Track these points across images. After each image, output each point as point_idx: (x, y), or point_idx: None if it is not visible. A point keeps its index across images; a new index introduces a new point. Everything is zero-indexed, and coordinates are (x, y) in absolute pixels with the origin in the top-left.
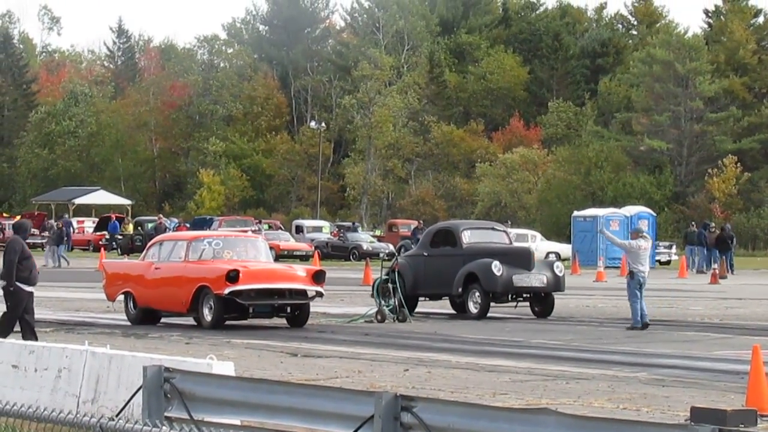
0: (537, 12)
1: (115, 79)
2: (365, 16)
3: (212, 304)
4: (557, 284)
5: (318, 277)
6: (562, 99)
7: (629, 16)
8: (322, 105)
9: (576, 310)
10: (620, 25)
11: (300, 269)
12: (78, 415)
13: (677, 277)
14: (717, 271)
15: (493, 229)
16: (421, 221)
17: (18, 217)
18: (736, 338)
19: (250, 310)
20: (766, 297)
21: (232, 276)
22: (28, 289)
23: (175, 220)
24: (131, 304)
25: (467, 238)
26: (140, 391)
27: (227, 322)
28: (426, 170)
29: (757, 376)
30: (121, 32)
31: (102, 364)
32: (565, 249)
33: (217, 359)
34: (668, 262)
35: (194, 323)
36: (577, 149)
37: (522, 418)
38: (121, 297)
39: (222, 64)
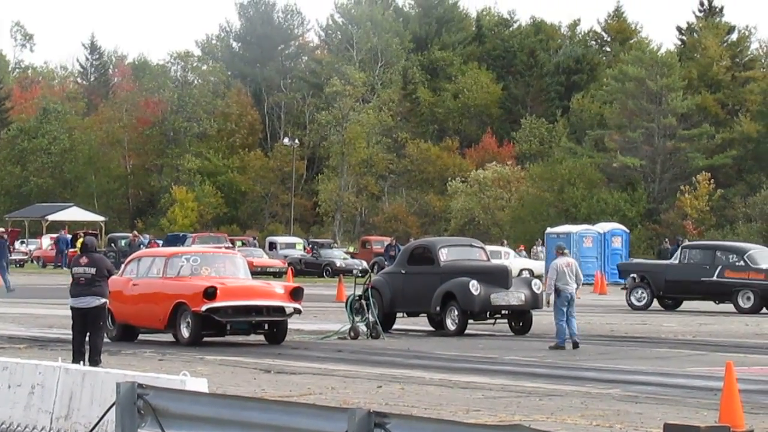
0: (511, 29)
1: (87, 96)
2: (339, 33)
3: (190, 320)
4: (535, 302)
5: (296, 294)
6: (536, 116)
7: (603, 33)
8: (296, 122)
9: (549, 327)
10: (594, 42)
11: (278, 286)
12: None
13: None
14: None
15: (470, 246)
16: (394, 238)
17: None
18: (709, 355)
19: (228, 327)
20: (738, 314)
21: (210, 293)
22: None
23: (148, 237)
24: (109, 321)
25: (444, 255)
26: (114, 408)
27: (205, 339)
28: (399, 187)
29: (730, 392)
30: (93, 48)
31: (75, 380)
32: (538, 266)
33: (190, 376)
34: None
35: (172, 339)
36: (550, 166)
37: None
38: None
39: (196, 81)
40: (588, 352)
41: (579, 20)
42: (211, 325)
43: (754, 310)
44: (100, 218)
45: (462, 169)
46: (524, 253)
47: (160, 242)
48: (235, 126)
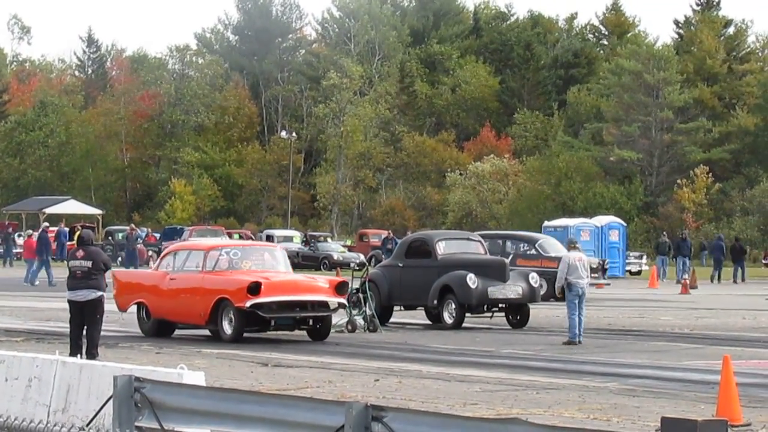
0: (508, 22)
1: (85, 89)
2: (336, 26)
3: (232, 316)
4: (532, 295)
5: (340, 289)
6: (533, 109)
7: (600, 26)
8: (293, 115)
9: (546, 321)
10: (591, 36)
11: (322, 280)
12: (49, 425)
13: (648, 287)
14: (687, 281)
15: (468, 239)
16: (391, 231)
17: None
18: (707, 348)
19: (272, 323)
20: (736, 307)
21: (254, 288)
22: None
23: (145, 230)
24: (144, 315)
25: (442, 249)
26: (111, 401)
27: (246, 335)
28: (397, 180)
29: (727, 386)
30: (91, 42)
31: (73, 373)
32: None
33: (187, 369)
34: (639, 272)
35: (207, 335)
36: (547, 159)
37: (492, 428)
38: (134, 308)
39: (193, 74)
40: (585, 346)
41: (576, 14)
42: (254, 321)
43: (546, 298)
44: (97, 211)
45: (459, 162)
46: None
47: (158, 235)
48: (232, 119)
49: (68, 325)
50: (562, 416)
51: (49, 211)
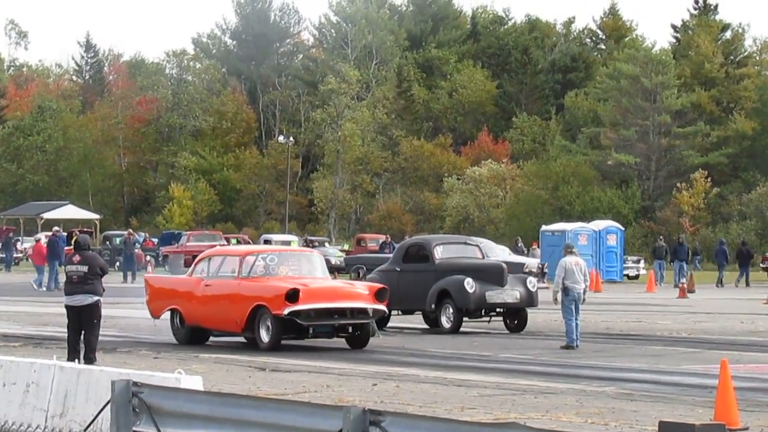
0: (506, 26)
1: (83, 94)
2: (333, 31)
3: (270, 324)
4: (530, 299)
5: (380, 295)
6: (530, 113)
7: (598, 31)
8: (291, 120)
9: (544, 325)
10: (589, 40)
11: (361, 286)
12: (46, 430)
13: (645, 292)
14: (685, 285)
15: (465, 243)
16: (389, 236)
17: None
18: (704, 353)
19: (310, 331)
20: (733, 311)
21: (292, 295)
22: None
23: (143, 234)
24: (178, 322)
25: (439, 253)
26: (108, 406)
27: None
28: (394, 184)
29: (725, 390)
30: (89, 47)
31: (70, 378)
32: (532, 263)
33: (185, 374)
34: (636, 277)
35: (241, 341)
36: (544, 164)
37: None
38: (167, 314)
39: (191, 79)
40: (583, 350)
41: (574, 18)
42: (292, 329)
43: None
44: (94, 216)
45: (457, 167)
46: (538, 250)
47: (156, 240)
48: (230, 124)
49: (66, 330)
50: (560, 420)
51: (46, 216)
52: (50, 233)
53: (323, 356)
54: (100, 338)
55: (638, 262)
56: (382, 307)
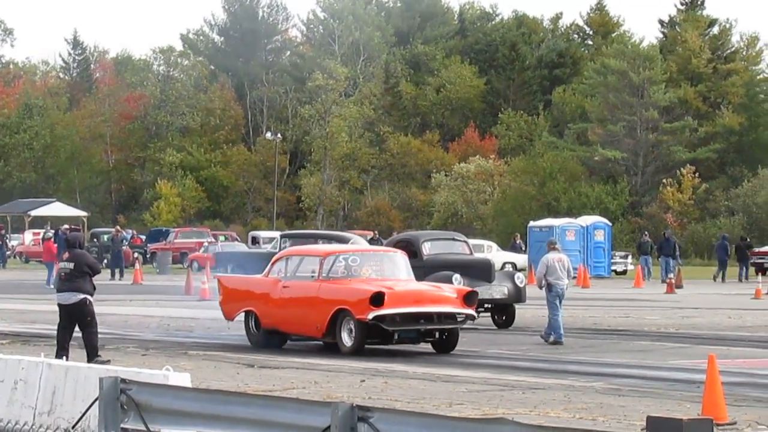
0: (493, 22)
1: (70, 91)
2: (321, 27)
3: (353, 328)
4: (518, 295)
5: (469, 299)
6: (518, 109)
7: (585, 26)
8: (278, 116)
9: (532, 321)
10: (576, 36)
11: (449, 290)
12: (34, 427)
13: (633, 287)
14: (673, 281)
15: (453, 240)
16: (377, 232)
17: None
18: (692, 348)
19: (395, 336)
20: (721, 306)
21: (377, 299)
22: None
23: (130, 232)
24: (253, 325)
25: (427, 249)
26: (96, 403)
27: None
28: (382, 181)
29: (712, 385)
30: (76, 44)
31: (58, 375)
32: (521, 259)
33: (173, 370)
34: (624, 272)
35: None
36: (531, 160)
37: (478, 428)
38: (241, 316)
39: (178, 75)
40: (571, 346)
41: (561, 14)
42: (376, 334)
43: None
44: (82, 213)
45: (444, 163)
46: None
47: (143, 237)
48: (218, 121)
49: (54, 327)
50: (548, 416)
51: (34, 213)
52: (65, 228)
53: (311, 353)
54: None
55: (626, 257)
56: (471, 311)
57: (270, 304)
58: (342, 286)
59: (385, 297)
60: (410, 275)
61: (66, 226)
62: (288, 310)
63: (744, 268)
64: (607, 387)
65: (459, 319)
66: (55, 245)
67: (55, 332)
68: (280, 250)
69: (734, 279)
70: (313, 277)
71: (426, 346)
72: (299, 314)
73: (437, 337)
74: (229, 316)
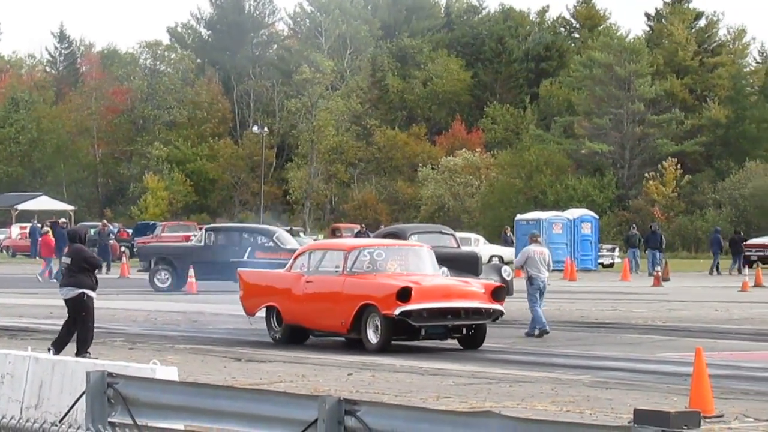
0: (479, 16)
1: (56, 85)
2: (307, 20)
3: (379, 324)
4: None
5: (497, 294)
6: (504, 103)
7: (571, 19)
8: (265, 110)
9: (519, 314)
10: (563, 29)
11: (477, 285)
12: (21, 421)
13: (620, 280)
14: (660, 274)
15: (440, 233)
16: (364, 225)
17: None
18: (679, 340)
19: (422, 333)
20: (708, 299)
21: (404, 294)
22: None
23: (117, 225)
24: (275, 321)
25: (415, 242)
26: (84, 397)
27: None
28: (369, 174)
29: (700, 378)
30: (62, 38)
31: (45, 369)
32: (508, 252)
33: (160, 364)
34: (611, 265)
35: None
36: (518, 153)
37: (465, 422)
38: (262, 311)
39: (165, 69)
40: (558, 339)
41: (548, 7)
42: (402, 330)
43: None
44: (69, 207)
45: (431, 156)
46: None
47: (130, 231)
48: (205, 114)
49: (46, 322)
50: (535, 409)
51: (21, 207)
52: (62, 222)
53: (298, 346)
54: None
55: (613, 250)
56: (500, 306)
57: (293, 299)
58: (367, 280)
59: (413, 292)
60: (436, 270)
61: (63, 220)
62: (311, 305)
63: (738, 260)
64: (594, 380)
65: (487, 315)
66: (53, 239)
67: (42, 326)
68: (205, 244)
69: (726, 272)
70: (337, 271)
71: (431, 342)
72: (323, 309)
73: (464, 333)
74: (251, 312)
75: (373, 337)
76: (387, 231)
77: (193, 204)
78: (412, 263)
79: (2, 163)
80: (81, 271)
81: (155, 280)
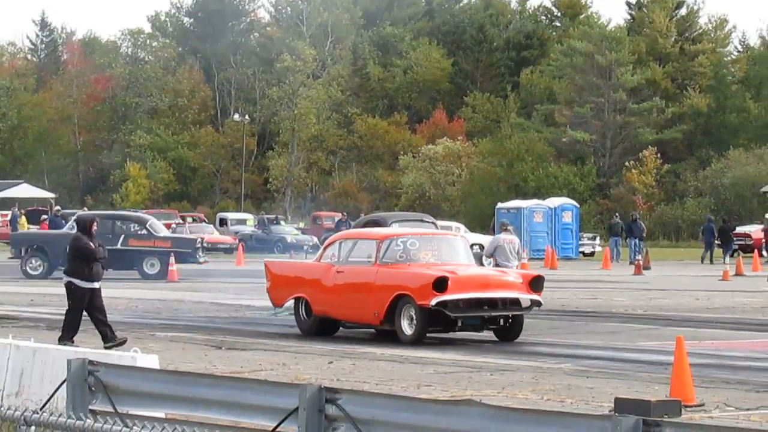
0: (461, 4)
1: (38, 72)
2: (289, 8)
3: (414, 315)
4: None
5: (535, 284)
6: (485, 91)
7: (553, 8)
8: (246, 98)
9: None
10: (544, 17)
11: (514, 275)
12: (2, 409)
13: (601, 268)
14: (641, 262)
15: (421, 221)
16: (345, 214)
17: None
18: (660, 329)
19: (459, 324)
20: (689, 288)
21: (440, 284)
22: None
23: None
24: (303, 312)
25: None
26: (64, 384)
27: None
28: (350, 162)
29: (680, 366)
30: (44, 25)
31: (26, 357)
32: (488, 241)
33: (141, 352)
34: (592, 254)
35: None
36: (498, 141)
37: (446, 410)
38: (291, 302)
39: (147, 57)
40: (539, 327)
41: None
42: (438, 321)
43: (161, 276)
44: (50, 195)
45: (412, 145)
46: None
47: None
48: (186, 102)
49: (27, 309)
50: (516, 397)
51: (1, 195)
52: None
53: (279, 334)
54: (55, 317)
55: (594, 239)
56: (538, 297)
57: (322, 290)
58: (402, 270)
59: (449, 282)
60: (471, 260)
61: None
62: (342, 296)
63: (728, 249)
64: (575, 369)
65: (524, 306)
66: (48, 227)
67: (23, 314)
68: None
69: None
70: (369, 261)
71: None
72: (355, 300)
73: (501, 324)
74: (278, 303)
75: (407, 329)
76: (368, 219)
77: (174, 192)
78: (446, 253)
79: None
80: (75, 259)
81: (27, 267)
